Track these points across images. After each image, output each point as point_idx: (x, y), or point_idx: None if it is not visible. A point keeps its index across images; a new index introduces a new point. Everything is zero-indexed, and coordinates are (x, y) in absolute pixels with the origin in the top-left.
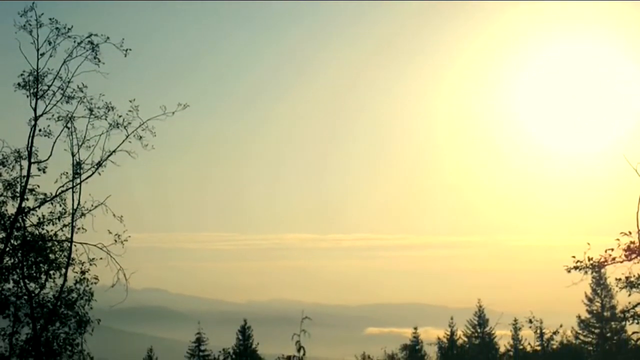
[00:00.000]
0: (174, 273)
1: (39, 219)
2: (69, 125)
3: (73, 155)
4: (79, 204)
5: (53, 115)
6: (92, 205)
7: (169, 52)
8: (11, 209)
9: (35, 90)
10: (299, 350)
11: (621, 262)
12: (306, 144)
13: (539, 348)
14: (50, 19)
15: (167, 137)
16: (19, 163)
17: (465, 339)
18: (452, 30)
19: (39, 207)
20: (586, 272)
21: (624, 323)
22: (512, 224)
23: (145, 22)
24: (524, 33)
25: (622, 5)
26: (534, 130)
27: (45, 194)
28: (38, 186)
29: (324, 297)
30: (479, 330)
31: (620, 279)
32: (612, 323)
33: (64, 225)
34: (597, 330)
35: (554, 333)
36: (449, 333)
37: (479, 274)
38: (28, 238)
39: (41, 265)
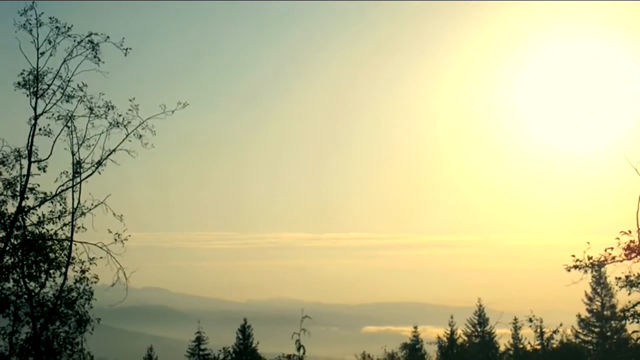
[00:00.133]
0: (173, 272)
1: (39, 218)
2: (69, 124)
3: (73, 154)
4: (79, 203)
5: (53, 114)
6: (92, 205)
7: (169, 52)
8: (11, 208)
9: (35, 89)
10: (298, 350)
11: (621, 261)
12: (305, 144)
13: (539, 347)
14: (50, 18)
15: (166, 136)
16: (19, 162)
17: (465, 338)
18: (452, 29)
19: (39, 206)
20: (586, 271)
21: (624, 322)
22: (511, 223)
23: (145, 21)
24: (524, 32)
25: (623, 4)
26: (534, 129)
27: (45, 193)
28: (38, 185)
29: (324, 296)
30: (479, 329)
31: (620, 278)
32: (612, 322)
33: (64, 225)
34: (597, 329)
35: (554, 332)
36: (448, 332)
37: (478, 273)
38: (28, 237)
39: (41, 264)
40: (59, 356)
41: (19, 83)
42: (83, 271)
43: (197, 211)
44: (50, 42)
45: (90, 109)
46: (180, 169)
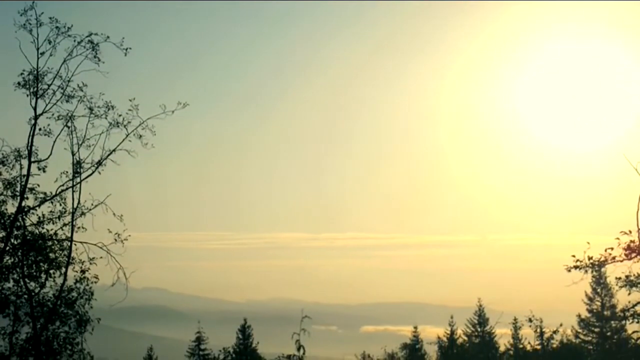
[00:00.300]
0: (173, 272)
1: (39, 218)
2: (69, 124)
3: (73, 154)
4: (79, 203)
5: (53, 114)
6: (92, 205)
7: (169, 51)
8: (11, 208)
9: (35, 89)
10: (298, 350)
11: (621, 261)
12: (305, 144)
13: (539, 347)
14: (50, 18)
15: (165, 136)
16: (19, 162)
17: (465, 338)
18: (452, 29)
19: (39, 206)
20: (586, 271)
21: (624, 322)
22: (511, 223)
23: (145, 21)
24: (525, 32)
25: (623, 4)
26: (534, 129)
27: (45, 193)
28: (38, 185)
29: (323, 296)
30: (479, 329)
31: (620, 278)
32: (612, 322)
33: (64, 224)
34: (597, 329)
35: (554, 332)
36: (448, 332)
37: (478, 273)
38: (28, 237)
39: (41, 264)
40: (59, 356)
41: (19, 83)
42: (83, 271)
43: (196, 211)
44: (50, 42)
45: (90, 109)
46: (179, 169)
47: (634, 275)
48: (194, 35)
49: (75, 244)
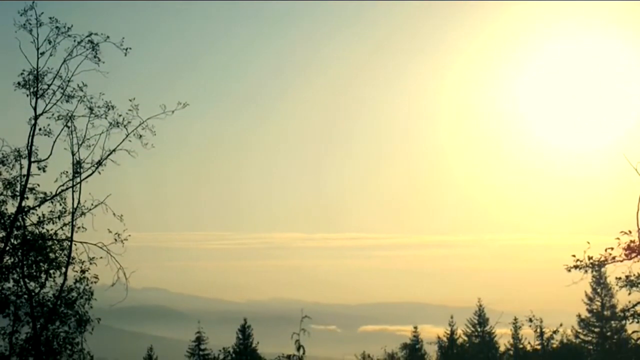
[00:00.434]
0: (173, 272)
1: (39, 218)
2: (69, 124)
3: (73, 154)
4: (79, 203)
5: (53, 114)
6: (92, 205)
7: (168, 51)
8: (11, 208)
9: (35, 89)
10: (298, 350)
11: (621, 261)
12: (305, 143)
13: (539, 347)
14: (50, 18)
15: (165, 136)
16: (19, 162)
17: (465, 338)
18: (452, 29)
19: (39, 206)
20: (586, 271)
21: (624, 322)
22: (511, 223)
23: (145, 21)
24: (525, 32)
25: (623, 4)
26: (534, 129)
27: (45, 193)
28: (38, 185)
29: (323, 296)
30: (479, 329)
31: (620, 278)
32: (612, 322)
33: (64, 224)
34: (597, 329)
35: (554, 332)
36: (448, 332)
37: (478, 273)
38: (28, 237)
39: (41, 264)
40: (59, 356)
41: (19, 83)
42: (83, 271)
43: (196, 211)
44: (50, 42)
45: (90, 109)
46: (179, 169)
47: (634, 275)
48: (194, 35)
49: (75, 244)
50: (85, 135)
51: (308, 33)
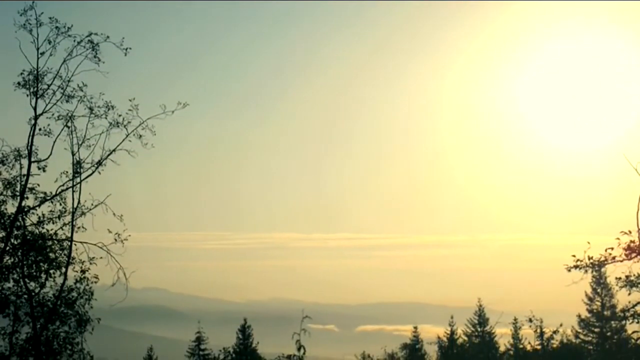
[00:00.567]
0: (173, 272)
1: (39, 218)
2: (69, 124)
3: (73, 154)
4: (79, 203)
5: (53, 114)
6: (92, 205)
7: (168, 51)
8: (11, 207)
9: (35, 89)
10: (298, 350)
11: (621, 261)
12: (305, 144)
13: (539, 347)
14: (50, 18)
15: (165, 136)
16: (19, 162)
17: (465, 338)
18: (452, 29)
19: (39, 206)
20: (586, 271)
21: (624, 322)
22: (511, 222)
23: (145, 21)
24: (525, 32)
25: (624, 4)
26: (534, 129)
27: (45, 193)
28: (38, 185)
29: (323, 296)
30: (479, 329)
31: (620, 278)
32: (612, 322)
33: (64, 224)
34: (597, 329)
35: (554, 332)
36: (448, 332)
37: (478, 273)
38: (28, 237)
39: (41, 264)
40: (59, 356)
41: (19, 83)
42: (83, 271)
43: (196, 211)
44: (50, 42)
45: (90, 109)
46: (179, 169)
47: (634, 275)
48: (194, 35)
49: (75, 244)
50: (85, 135)
51: (308, 33)
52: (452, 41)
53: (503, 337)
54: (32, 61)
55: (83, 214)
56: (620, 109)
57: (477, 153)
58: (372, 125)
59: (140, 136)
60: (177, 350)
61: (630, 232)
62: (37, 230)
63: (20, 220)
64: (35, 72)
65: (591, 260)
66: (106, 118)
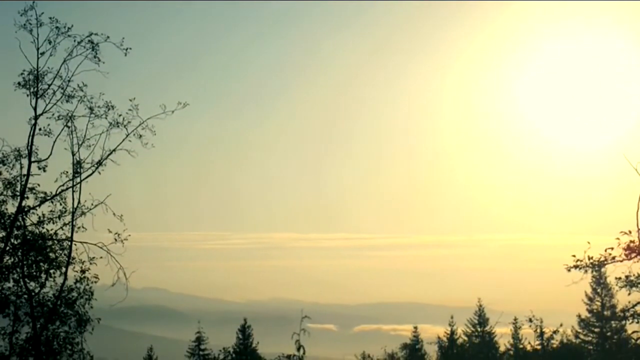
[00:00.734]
0: (173, 272)
1: (39, 217)
2: (69, 124)
3: (73, 154)
4: (79, 202)
5: (53, 114)
6: (92, 205)
7: (168, 51)
8: (11, 207)
9: (36, 89)
10: (298, 350)
11: (621, 261)
12: (304, 144)
13: (539, 347)
14: (50, 18)
15: (165, 136)
16: (19, 162)
17: (465, 338)
18: (452, 29)
19: (39, 206)
20: (586, 271)
21: (624, 322)
22: (511, 222)
23: (145, 21)
24: (525, 32)
25: (624, 4)
26: (534, 129)
27: (45, 193)
28: (38, 185)
29: (323, 296)
30: (479, 329)
31: (620, 278)
32: (612, 322)
33: (64, 224)
34: (597, 330)
35: (554, 332)
36: (448, 332)
37: (478, 273)
38: (28, 237)
39: (41, 264)
40: (59, 356)
41: (19, 83)
42: (83, 271)
43: (196, 211)
44: (50, 42)
45: (91, 109)
46: (179, 169)
47: (634, 275)
48: (194, 35)
49: (75, 244)
50: (85, 135)
51: (308, 33)
52: (452, 41)
53: (503, 337)
54: (32, 61)
55: (83, 214)
56: (620, 109)
57: (476, 153)
58: (371, 125)
59: (140, 136)
60: (177, 350)
61: (630, 232)
62: (37, 230)
63: (21, 220)
64: (36, 72)
65: (591, 260)
66: (106, 118)
